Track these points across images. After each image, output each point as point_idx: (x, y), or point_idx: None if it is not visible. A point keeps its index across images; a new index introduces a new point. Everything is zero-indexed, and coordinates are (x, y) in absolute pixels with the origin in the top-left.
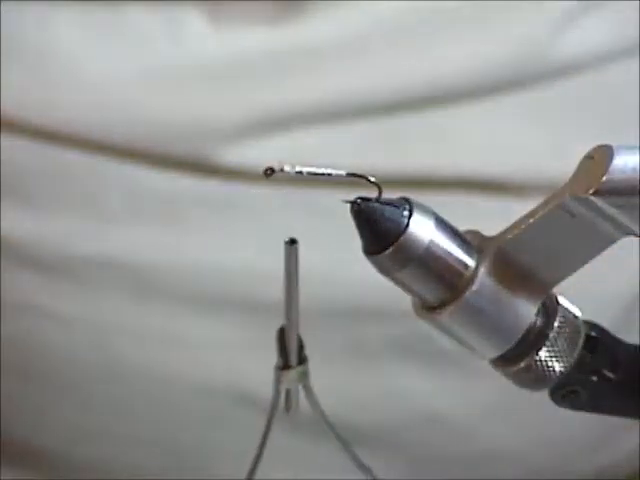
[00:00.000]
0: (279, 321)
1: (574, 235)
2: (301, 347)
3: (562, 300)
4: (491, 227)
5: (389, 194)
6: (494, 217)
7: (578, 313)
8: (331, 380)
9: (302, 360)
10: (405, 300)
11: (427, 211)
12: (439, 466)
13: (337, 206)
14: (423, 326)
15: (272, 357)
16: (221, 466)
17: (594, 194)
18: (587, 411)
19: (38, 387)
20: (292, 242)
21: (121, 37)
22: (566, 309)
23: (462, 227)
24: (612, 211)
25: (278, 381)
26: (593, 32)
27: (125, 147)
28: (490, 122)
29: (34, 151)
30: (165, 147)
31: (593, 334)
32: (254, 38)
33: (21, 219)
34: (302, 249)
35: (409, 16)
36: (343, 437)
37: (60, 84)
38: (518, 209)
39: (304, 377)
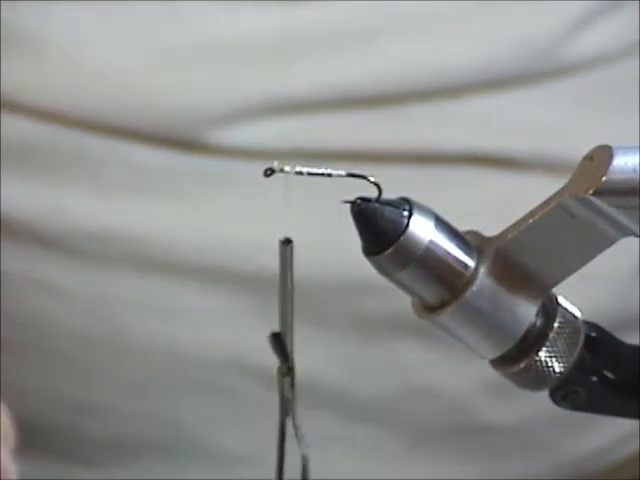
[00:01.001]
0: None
1: (574, 235)
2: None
3: (562, 300)
4: (494, 200)
5: (395, 170)
6: (499, 190)
7: (578, 313)
8: (331, 352)
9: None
10: None
11: (427, 211)
12: (437, 438)
13: (342, 183)
14: None
15: (273, 327)
16: (221, 437)
17: (594, 194)
18: (587, 411)
19: (39, 361)
20: (287, 242)
21: (120, 19)
22: (566, 309)
23: (468, 199)
24: (612, 211)
25: (282, 385)
26: (602, 33)
27: (124, 127)
28: (496, 108)
29: (33, 129)
30: (164, 127)
31: (593, 334)
32: (258, 21)
33: (21, 195)
34: (301, 221)
35: (419, 6)
36: None
37: (59, 66)
38: (521, 183)
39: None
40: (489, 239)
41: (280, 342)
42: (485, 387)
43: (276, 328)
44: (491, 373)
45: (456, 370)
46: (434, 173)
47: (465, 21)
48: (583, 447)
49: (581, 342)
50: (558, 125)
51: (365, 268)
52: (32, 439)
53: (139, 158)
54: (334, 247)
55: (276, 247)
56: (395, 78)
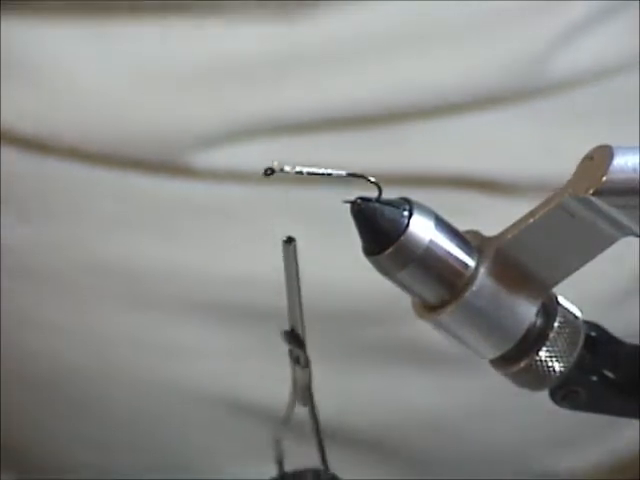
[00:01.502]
0: (275, 328)
1: (574, 235)
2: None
3: (562, 300)
4: (484, 223)
5: (386, 192)
6: (488, 214)
7: (578, 313)
8: (329, 382)
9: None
10: (402, 303)
11: (427, 211)
12: (437, 467)
13: (334, 208)
14: (419, 329)
15: (268, 365)
16: (218, 472)
17: (594, 194)
18: (587, 411)
19: (35, 395)
20: (289, 240)
21: (109, 45)
22: (566, 309)
23: (456, 223)
24: (612, 211)
25: (295, 380)
26: (592, 48)
27: (117, 156)
28: (486, 128)
29: (27, 161)
30: (157, 154)
31: (593, 334)
32: (248, 42)
33: (16, 228)
34: (299, 252)
35: (407, 27)
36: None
37: (52, 96)
38: (509, 206)
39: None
40: (489, 239)
41: (295, 336)
42: (485, 413)
43: (272, 363)
44: (489, 399)
45: (455, 397)
46: (424, 196)
47: (453, 41)
48: (580, 469)
49: (581, 342)
50: (548, 145)
51: (363, 298)
52: (28, 468)
53: (133, 189)
54: (329, 277)
55: (272, 282)
56: (385, 99)
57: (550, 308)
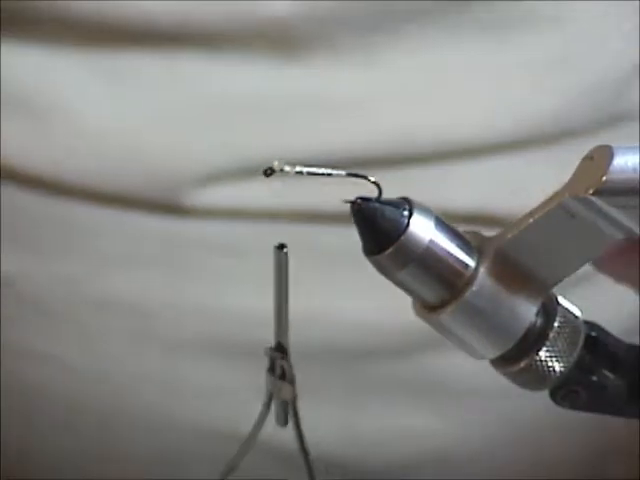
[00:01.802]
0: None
1: (574, 235)
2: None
3: (562, 300)
4: None
5: None
6: None
7: (578, 313)
8: (336, 420)
9: (285, 378)
10: (408, 338)
11: (427, 211)
12: None
13: (340, 245)
14: (426, 364)
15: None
16: None
17: (594, 194)
18: (587, 411)
19: (39, 429)
20: (281, 247)
21: (120, 84)
22: (566, 309)
23: None
24: (612, 211)
25: (270, 393)
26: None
27: (126, 195)
28: (501, 170)
29: (38, 200)
30: (164, 194)
31: (593, 334)
32: (256, 82)
33: (22, 264)
34: (302, 290)
35: (419, 74)
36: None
37: (58, 133)
38: None
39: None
40: (489, 239)
41: (281, 347)
42: (494, 446)
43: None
44: (497, 432)
45: (463, 432)
46: None
47: (466, 88)
48: None
49: (581, 342)
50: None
51: (368, 335)
52: None
53: (140, 226)
54: (335, 313)
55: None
56: (394, 142)
57: (550, 308)
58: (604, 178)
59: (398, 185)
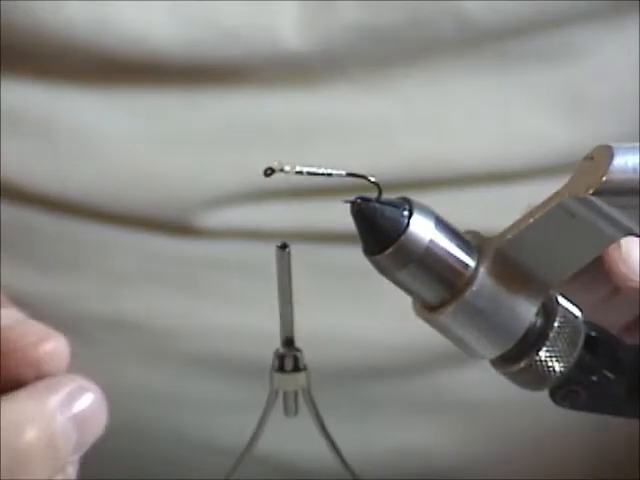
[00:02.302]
0: None
1: (574, 235)
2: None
3: (562, 300)
4: None
5: None
6: None
7: (578, 313)
8: (342, 438)
9: (299, 368)
10: (413, 357)
11: (427, 211)
12: None
13: (350, 265)
14: (436, 381)
15: (283, 418)
16: None
17: (594, 194)
18: (587, 411)
19: None
20: (284, 247)
21: (133, 107)
22: (566, 309)
23: None
24: (612, 211)
25: (273, 384)
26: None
27: (137, 216)
28: (504, 197)
29: (50, 220)
30: (176, 215)
31: (593, 334)
32: (271, 108)
33: (33, 281)
34: (310, 309)
35: (432, 102)
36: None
37: (70, 155)
38: None
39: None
40: (489, 239)
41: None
42: (504, 461)
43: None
44: (502, 448)
45: (474, 447)
46: None
47: (476, 119)
48: None
49: (581, 342)
50: None
51: (375, 354)
52: None
53: (151, 245)
54: (345, 332)
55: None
56: (404, 169)
57: (550, 308)
58: (604, 178)
59: None
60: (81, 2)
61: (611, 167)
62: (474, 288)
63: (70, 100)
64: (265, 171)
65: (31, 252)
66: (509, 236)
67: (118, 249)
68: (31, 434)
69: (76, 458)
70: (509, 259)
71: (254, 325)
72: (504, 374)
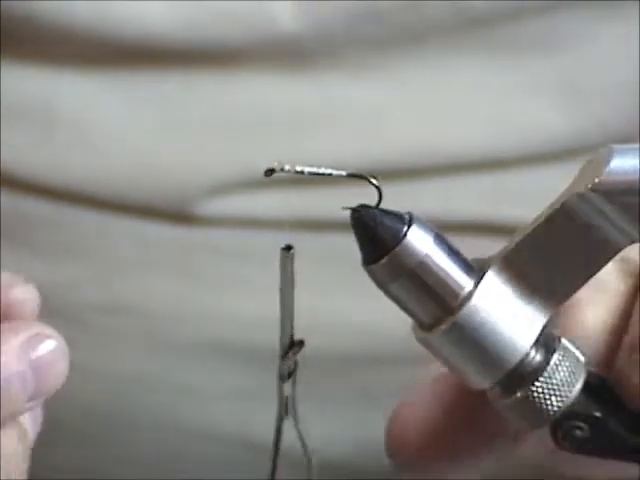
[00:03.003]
0: None
1: (576, 243)
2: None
3: (565, 341)
4: None
5: None
6: None
7: (581, 357)
8: (340, 426)
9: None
10: (411, 346)
11: (428, 226)
12: None
13: (349, 253)
14: (438, 371)
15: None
16: None
17: (593, 190)
18: (590, 454)
19: (47, 433)
20: (288, 248)
21: (130, 96)
22: (568, 348)
23: None
24: (612, 211)
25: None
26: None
27: (134, 203)
28: (501, 182)
29: (46, 207)
30: (173, 202)
31: (595, 377)
32: (269, 94)
33: (31, 268)
34: (306, 297)
35: (429, 88)
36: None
37: (69, 144)
38: None
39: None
40: (491, 258)
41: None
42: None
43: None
44: None
45: None
46: None
47: (474, 105)
48: None
49: (582, 380)
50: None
51: (378, 341)
52: None
53: (148, 233)
54: (337, 320)
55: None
56: (402, 156)
57: (551, 345)
58: (602, 175)
59: (406, 196)
60: None
61: (609, 165)
62: (467, 309)
63: (68, 87)
64: (265, 172)
65: (29, 238)
66: (510, 246)
67: (116, 236)
68: None
69: (32, 406)
70: (509, 277)
71: (252, 311)
72: (502, 410)
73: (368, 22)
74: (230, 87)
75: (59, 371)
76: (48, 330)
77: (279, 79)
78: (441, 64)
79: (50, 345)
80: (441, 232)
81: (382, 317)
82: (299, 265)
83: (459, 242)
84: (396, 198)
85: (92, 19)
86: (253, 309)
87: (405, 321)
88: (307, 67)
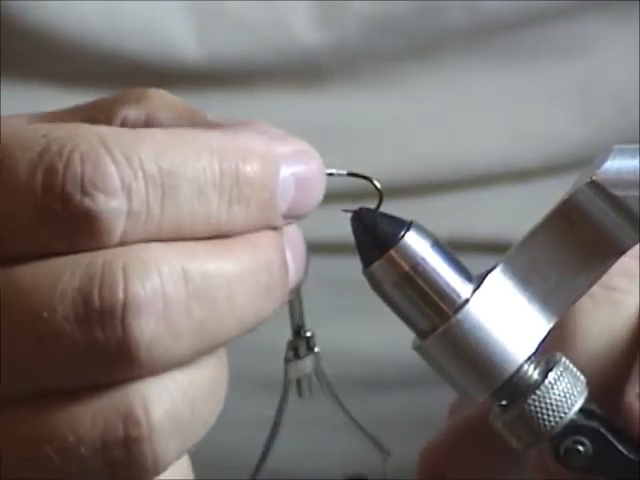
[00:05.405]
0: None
1: (575, 248)
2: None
3: (565, 360)
4: None
5: None
6: None
7: (582, 378)
8: (347, 451)
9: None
10: (418, 371)
11: (426, 232)
12: None
13: (351, 278)
14: (441, 397)
15: (297, 433)
16: None
17: (588, 186)
18: (591, 473)
19: None
20: None
21: None
22: (568, 366)
23: None
24: (611, 208)
25: (287, 373)
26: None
27: None
28: (520, 198)
29: None
30: None
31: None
32: (284, 110)
33: None
34: (314, 322)
35: (446, 102)
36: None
37: None
38: None
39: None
40: (490, 269)
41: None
42: None
43: (301, 431)
44: None
45: None
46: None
47: (489, 117)
48: None
49: (581, 400)
50: None
51: (382, 366)
52: None
53: None
54: (345, 346)
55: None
56: (418, 169)
57: (551, 363)
58: (599, 171)
59: (421, 211)
60: (93, 2)
61: (606, 163)
62: (461, 316)
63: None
64: None
65: None
66: (511, 250)
67: None
68: (254, 166)
69: (284, 223)
70: (510, 284)
71: (261, 341)
72: (499, 428)
73: (385, 34)
74: (247, 104)
75: (318, 192)
76: (312, 150)
77: (296, 94)
78: (458, 76)
79: (314, 164)
80: (440, 240)
81: (390, 344)
82: (306, 291)
83: (482, 263)
84: (415, 214)
85: (108, 38)
86: (263, 338)
87: (410, 348)
88: (324, 82)
